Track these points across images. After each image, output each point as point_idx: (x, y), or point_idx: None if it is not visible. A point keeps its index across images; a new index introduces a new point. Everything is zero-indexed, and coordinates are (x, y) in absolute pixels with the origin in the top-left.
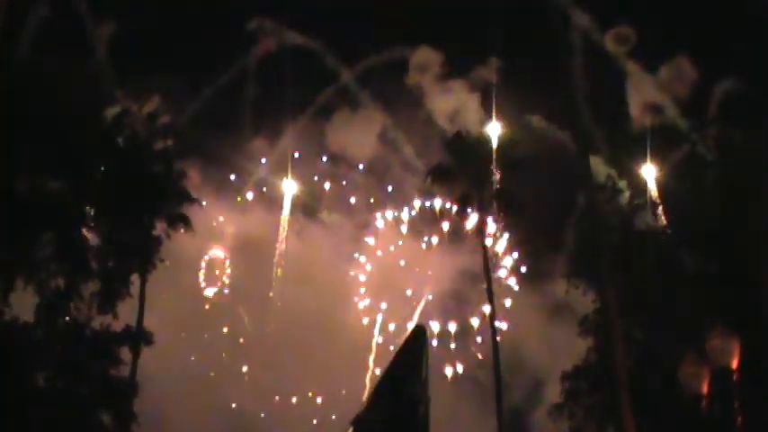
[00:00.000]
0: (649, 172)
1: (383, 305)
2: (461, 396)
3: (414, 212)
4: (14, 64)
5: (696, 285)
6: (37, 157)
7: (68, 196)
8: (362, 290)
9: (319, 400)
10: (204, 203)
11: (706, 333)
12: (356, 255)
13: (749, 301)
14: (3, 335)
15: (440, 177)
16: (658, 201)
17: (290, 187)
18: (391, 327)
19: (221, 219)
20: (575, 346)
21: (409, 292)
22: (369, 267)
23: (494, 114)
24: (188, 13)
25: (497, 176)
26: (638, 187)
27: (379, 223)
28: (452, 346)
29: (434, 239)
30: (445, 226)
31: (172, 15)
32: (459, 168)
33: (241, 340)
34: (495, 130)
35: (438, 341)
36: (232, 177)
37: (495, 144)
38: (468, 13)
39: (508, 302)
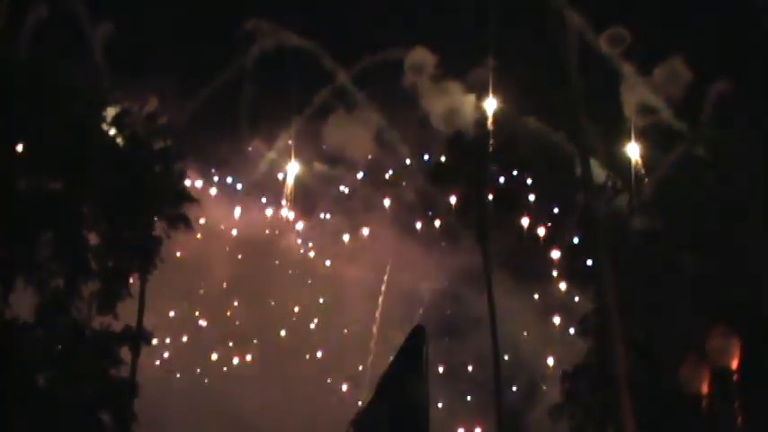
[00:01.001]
0: (633, 150)
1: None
2: (458, 395)
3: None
4: (15, 64)
5: (696, 285)
6: (37, 157)
7: (68, 196)
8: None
9: (318, 401)
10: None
11: (706, 333)
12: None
13: (749, 301)
14: (3, 335)
15: (440, 176)
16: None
17: (293, 169)
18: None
19: (219, 218)
20: (571, 345)
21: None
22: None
23: (490, 88)
24: (183, 14)
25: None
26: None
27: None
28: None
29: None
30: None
31: (167, 17)
32: (460, 167)
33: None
34: (491, 105)
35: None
36: (230, 179)
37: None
38: (464, 14)
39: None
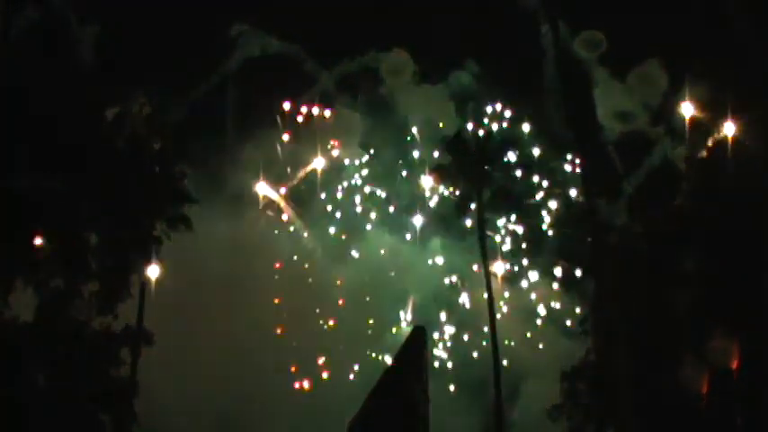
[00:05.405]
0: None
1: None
2: (445, 394)
3: None
4: (15, 64)
5: (696, 285)
6: (37, 157)
7: (68, 196)
8: None
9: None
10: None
11: (706, 333)
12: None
13: (749, 301)
14: (2, 335)
15: (440, 177)
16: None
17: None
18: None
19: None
20: (556, 346)
21: None
22: None
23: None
24: (168, 19)
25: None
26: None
27: None
28: None
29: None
30: None
31: (153, 21)
32: (458, 168)
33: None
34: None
35: None
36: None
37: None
38: (445, 19)
39: None
